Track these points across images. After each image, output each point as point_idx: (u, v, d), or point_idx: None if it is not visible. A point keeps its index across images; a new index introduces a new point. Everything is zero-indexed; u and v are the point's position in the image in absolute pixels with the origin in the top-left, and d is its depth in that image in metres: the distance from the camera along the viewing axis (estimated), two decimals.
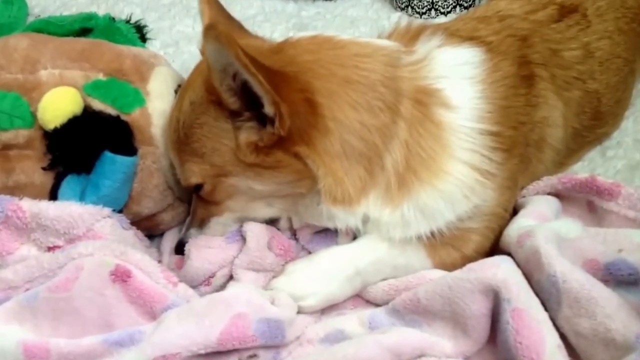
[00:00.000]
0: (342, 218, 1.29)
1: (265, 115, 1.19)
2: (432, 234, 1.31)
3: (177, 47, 2.13)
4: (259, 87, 1.15)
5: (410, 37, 1.38)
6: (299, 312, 1.28)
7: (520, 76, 1.38)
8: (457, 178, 1.26)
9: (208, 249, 1.35)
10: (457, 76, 1.31)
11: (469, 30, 1.45)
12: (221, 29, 1.10)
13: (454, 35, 1.40)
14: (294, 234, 1.41)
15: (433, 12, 2.25)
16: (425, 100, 1.27)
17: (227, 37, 1.10)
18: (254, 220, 1.36)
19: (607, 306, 1.10)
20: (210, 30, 1.10)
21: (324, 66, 1.25)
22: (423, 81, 1.29)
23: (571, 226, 1.27)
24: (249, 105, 1.20)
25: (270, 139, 1.21)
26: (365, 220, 1.30)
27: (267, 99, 1.16)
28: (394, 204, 1.27)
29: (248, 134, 1.23)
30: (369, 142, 1.24)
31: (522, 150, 1.38)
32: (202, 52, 1.29)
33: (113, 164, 1.35)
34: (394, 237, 1.30)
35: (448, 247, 1.33)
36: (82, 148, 1.35)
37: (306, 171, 1.24)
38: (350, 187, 1.24)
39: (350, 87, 1.24)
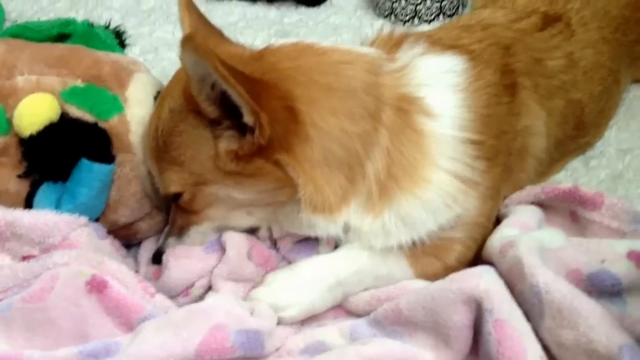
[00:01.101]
0: (323, 227, 1.27)
1: (245, 124, 1.18)
2: (414, 243, 1.30)
3: (156, 54, 2.12)
4: (238, 97, 1.13)
5: (393, 44, 1.37)
6: (279, 323, 1.26)
7: (502, 85, 1.37)
8: (439, 187, 1.26)
9: (186, 259, 1.33)
10: (439, 84, 1.31)
11: (451, 38, 1.44)
12: (198, 40, 1.08)
13: (437, 43, 1.40)
14: (274, 243, 1.39)
15: (416, 20, 2.25)
16: (406, 108, 1.27)
17: (205, 49, 1.08)
18: (234, 229, 1.35)
19: (590, 317, 1.09)
20: (187, 42, 1.09)
21: (304, 73, 1.24)
22: (405, 89, 1.28)
23: (554, 236, 1.27)
24: (228, 114, 1.19)
25: (250, 147, 1.20)
26: (347, 229, 1.29)
27: (247, 109, 1.15)
28: (375, 212, 1.26)
29: (228, 142, 1.22)
30: (350, 150, 1.22)
31: (505, 159, 1.37)
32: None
33: (90, 171, 1.32)
34: (375, 246, 1.29)
35: (430, 257, 1.32)
36: (59, 155, 1.33)
37: (286, 179, 1.22)
38: (331, 195, 1.23)
39: (331, 94, 1.23)
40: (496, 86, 1.36)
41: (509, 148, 1.38)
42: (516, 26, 1.51)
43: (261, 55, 1.29)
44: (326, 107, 1.22)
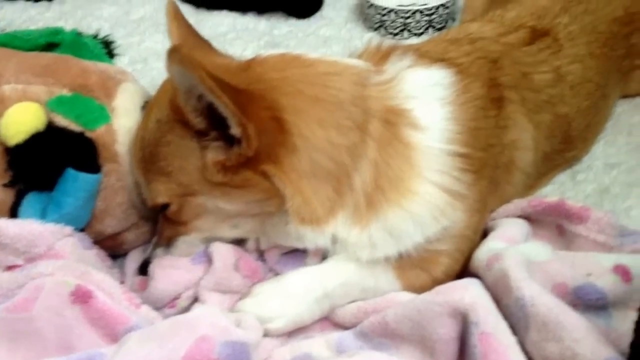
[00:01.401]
0: (311, 238, 1.27)
1: (232, 135, 1.18)
2: (401, 255, 1.29)
3: (145, 64, 2.11)
4: (225, 109, 1.13)
5: (381, 57, 1.37)
6: (265, 335, 1.26)
7: (490, 98, 1.38)
8: (426, 199, 1.25)
9: (173, 270, 1.33)
10: (427, 97, 1.31)
11: (439, 51, 1.45)
12: (185, 51, 1.08)
13: (425, 56, 1.40)
14: (261, 255, 1.38)
15: (406, 33, 2.26)
16: (394, 120, 1.27)
17: (191, 60, 1.08)
18: (221, 240, 1.34)
19: (575, 330, 1.09)
20: (174, 53, 1.08)
21: (291, 84, 1.24)
22: (392, 101, 1.28)
23: (540, 249, 1.27)
24: (216, 125, 1.19)
25: (238, 158, 1.19)
26: (334, 240, 1.28)
27: (234, 120, 1.15)
28: (362, 224, 1.26)
29: (215, 153, 1.22)
30: (337, 161, 1.22)
31: (492, 172, 1.38)
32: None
33: (76, 181, 1.32)
34: (362, 257, 1.29)
35: (417, 269, 1.32)
36: (45, 165, 1.32)
37: (274, 190, 1.22)
38: (319, 207, 1.23)
39: (318, 105, 1.23)
40: (483, 99, 1.36)
41: (496, 161, 1.38)
42: (504, 40, 1.51)
43: (248, 66, 1.29)
44: (313, 118, 1.22)
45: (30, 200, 1.34)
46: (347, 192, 1.24)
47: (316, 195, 1.22)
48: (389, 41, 1.44)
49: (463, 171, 1.28)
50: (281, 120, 1.20)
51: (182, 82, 1.12)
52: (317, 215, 1.23)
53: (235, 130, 1.16)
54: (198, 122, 1.19)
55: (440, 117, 1.29)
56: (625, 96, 1.86)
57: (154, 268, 1.33)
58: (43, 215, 1.32)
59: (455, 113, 1.31)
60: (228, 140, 1.19)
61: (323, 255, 1.35)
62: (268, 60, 1.29)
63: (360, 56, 1.40)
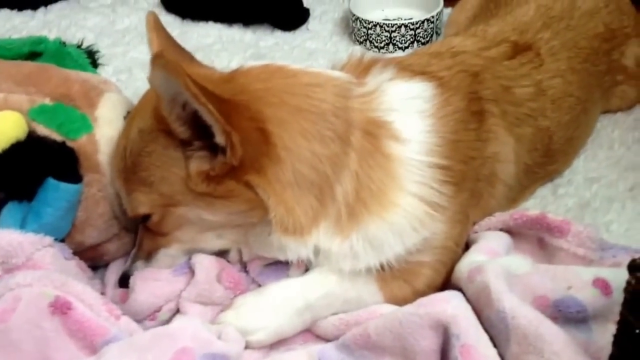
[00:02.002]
0: (294, 248, 1.26)
1: (216, 144, 1.18)
2: (382, 267, 1.29)
3: (130, 74, 2.11)
4: (209, 116, 1.13)
5: (362, 69, 1.38)
6: (247, 347, 1.25)
7: (470, 111, 1.39)
8: (406, 210, 1.26)
9: (154, 282, 1.31)
10: (408, 110, 1.32)
11: (421, 65, 1.46)
12: (169, 57, 1.09)
13: (406, 69, 1.41)
14: (244, 266, 1.38)
15: (391, 46, 2.27)
16: (375, 132, 1.27)
17: (175, 66, 1.08)
18: (203, 251, 1.33)
19: (555, 343, 1.09)
20: (158, 59, 1.08)
21: (275, 94, 1.24)
22: (373, 113, 1.29)
23: (521, 262, 1.28)
24: (200, 134, 1.18)
25: (222, 168, 1.19)
26: (317, 252, 1.28)
27: (218, 128, 1.15)
28: (343, 234, 1.26)
29: (199, 163, 1.21)
30: (320, 172, 1.23)
31: (473, 184, 1.38)
32: (150, 82, 1.27)
33: (56, 191, 1.31)
34: (344, 268, 1.29)
35: (399, 281, 1.32)
36: (25, 174, 1.31)
37: (257, 200, 1.22)
38: (302, 217, 1.23)
39: (301, 115, 1.23)
40: (464, 112, 1.37)
41: (477, 174, 1.39)
42: (485, 54, 1.53)
43: (231, 77, 1.29)
44: (296, 128, 1.22)
45: (10, 210, 1.33)
46: (329, 203, 1.24)
47: (299, 206, 1.22)
48: (370, 54, 1.46)
49: (443, 183, 1.29)
50: (265, 132, 1.20)
51: (166, 89, 1.12)
52: (301, 225, 1.23)
53: (219, 139, 1.16)
54: (182, 131, 1.19)
55: (420, 130, 1.30)
56: (607, 111, 1.88)
57: (135, 280, 1.32)
58: (22, 225, 1.31)
59: (435, 126, 1.32)
60: (212, 149, 1.19)
61: (306, 267, 1.34)
62: (251, 71, 1.30)
63: (342, 68, 1.40)
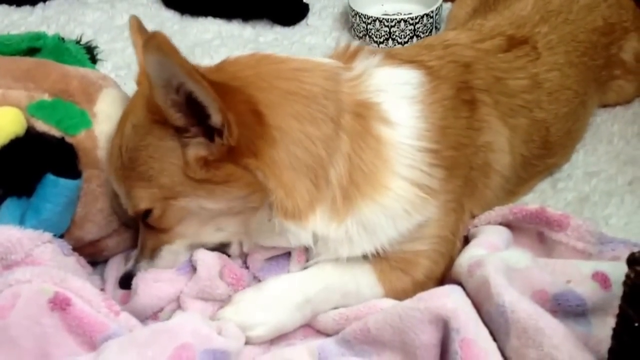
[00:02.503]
0: (294, 232, 1.26)
1: (212, 128, 1.18)
2: (378, 253, 1.30)
3: (129, 70, 2.10)
4: (205, 95, 1.13)
5: (349, 56, 1.39)
6: (247, 343, 1.25)
7: (460, 99, 1.39)
8: (398, 194, 1.27)
9: (156, 283, 1.31)
10: (396, 94, 1.33)
11: (410, 54, 1.47)
12: (161, 38, 1.08)
13: (394, 57, 1.42)
14: (245, 262, 1.38)
15: (390, 41, 2.27)
16: (364, 113, 1.28)
17: (169, 46, 1.08)
18: (205, 246, 1.33)
19: (554, 337, 1.09)
20: (151, 40, 1.08)
21: (264, 79, 1.25)
22: (361, 95, 1.30)
23: (521, 256, 1.28)
24: (195, 119, 1.19)
25: (220, 150, 1.20)
26: (315, 239, 1.28)
27: (214, 107, 1.15)
28: (339, 219, 1.26)
29: (196, 149, 1.22)
30: (313, 154, 1.23)
31: (466, 172, 1.39)
32: (139, 82, 1.27)
33: (55, 186, 1.31)
34: (342, 255, 1.29)
35: (398, 271, 1.32)
36: (24, 170, 1.31)
37: (257, 184, 1.22)
38: (299, 201, 1.23)
39: (292, 98, 1.24)
40: (453, 100, 1.38)
41: (469, 162, 1.40)
42: (479, 46, 1.53)
43: (220, 67, 1.30)
44: (289, 111, 1.23)
45: (9, 206, 1.33)
46: (324, 186, 1.25)
47: (297, 189, 1.23)
48: (356, 42, 1.46)
49: (433, 166, 1.30)
50: (259, 114, 1.21)
51: (160, 72, 1.12)
52: (299, 209, 1.23)
53: (215, 119, 1.17)
54: (177, 117, 1.19)
55: (409, 115, 1.31)
56: (604, 106, 1.89)
57: (137, 282, 1.31)
58: (22, 221, 1.31)
59: (424, 112, 1.33)
60: (209, 134, 1.20)
61: (306, 261, 1.34)
62: (239, 60, 1.31)
63: (330, 57, 1.41)
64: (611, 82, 1.84)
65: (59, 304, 1.19)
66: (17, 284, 1.21)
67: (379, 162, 1.26)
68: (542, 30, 1.62)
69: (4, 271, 1.26)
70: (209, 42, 2.30)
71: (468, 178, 1.39)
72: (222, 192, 1.24)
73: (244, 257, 1.38)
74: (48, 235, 1.30)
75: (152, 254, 1.34)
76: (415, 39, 2.27)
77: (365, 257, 1.31)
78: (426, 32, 2.28)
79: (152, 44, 1.08)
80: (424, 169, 1.29)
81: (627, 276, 0.96)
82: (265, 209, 1.25)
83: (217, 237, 1.34)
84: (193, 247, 1.33)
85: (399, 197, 1.27)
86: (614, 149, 1.77)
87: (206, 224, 1.31)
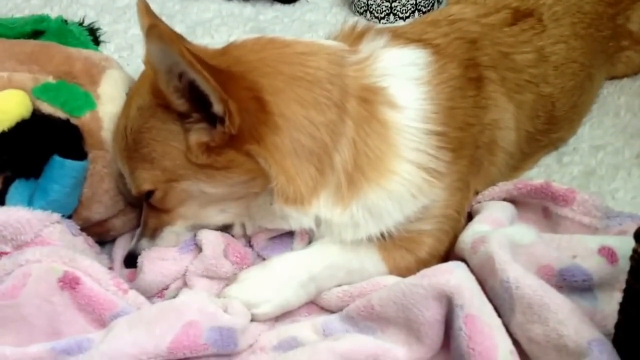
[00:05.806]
0: (296, 217, 1.27)
1: (214, 115, 1.18)
2: (383, 235, 1.30)
3: (131, 51, 2.10)
4: (206, 84, 1.13)
5: (355, 37, 1.38)
6: (252, 320, 1.26)
7: (467, 78, 1.38)
8: (404, 177, 1.26)
9: (161, 261, 1.32)
10: (402, 76, 1.32)
11: (416, 33, 1.45)
12: (163, 27, 1.09)
13: (400, 37, 1.40)
14: (249, 241, 1.38)
15: (392, 17, 2.25)
16: (370, 98, 1.27)
17: (170, 36, 1.09)
18: (207, 227, 1.34)
19: (560, 312, 1.09)
20: (153, 30, 1.08)
21: (269, 64, 1.24)
22: (367, 79, 1.29)
23: (525, 232, 1.27)
24: (198, 106, 1.19)
25: (222, 138, 1.20)
26: (318, 222, 1.29)
27: (215, 96, 1.15)
28: (343, 204, 1.26)
29: (198, 135, 1.22)
30: (317, 140, 1.23)
31: (472, 151, 1.38)
32: (145, 62, 1.27)
33: (62, 168, 1.32)
34: (346, 238, 1.29)
35: (402, 250, 1.33)
36: (31, 152, 1.32)
37: (258, 170, 1.22)
38: (302, 186, 1.23)
39: (296, 84, 1.23)
40: (460, 79, 1.36)
41: (476, 141, 1.39)
42: (484, 21, 1.51)
43: (225, 51, 1.29)
44: (292, 96, 1.22)
45: (17, 188, 1.34)
46: (329, 172, 1.25)
47: (299, 175, 1.23)
48: (363, 22, 1.44)
49: (440, 149, 1.29)
50: (262, 100, 1.20)
51: (163, 60, 1.12)
52: (302, 195, 1.23)
53: (217, 108, 1.17)
54: (180, 103, 1.20)
55: (415, 97, 1.30)
56: (612, 78, 1.87)
57: (143, 260, 1.33)
58: (30, 202, 1.32)
59: (431, 93, 1.31)
60: (211, 120, 1.20)
61: (309, 239, 1.35)
62: (245, 44, 1.30)
63: (335, 38, 1.40)
64: (619, 54, 1.82)
65: (69, 283, 1.21)
66: (27, 263, 1.23)
67: (384, 147, 1.26)
68: (547, 2, 1.60)
69: (15, 251, 1.28)
70: (209, 21, 2.29)
71: (474, 157, 1.39)
72: (222, 177, 1.24)
73: (248, 237, 1.38)
74: (56, 216, 1.32)
75: (153, 233, 1.35)
76: (417, 13, 2.25)
77: (369, 239, 1.31)
78: (428, 6, 2.26)
79: (154, 34, 1.08)
80: (431, 152, 1.28)
81: (635, 250, 0.96)
82: (267, 194, 1.25)
83: (218, 220, 1.34)
84: (195, 228, 1.34)
85: (406, 181, 1.26)
86: (621, 122, 1.75)
87: (207, 207, 1.32)
